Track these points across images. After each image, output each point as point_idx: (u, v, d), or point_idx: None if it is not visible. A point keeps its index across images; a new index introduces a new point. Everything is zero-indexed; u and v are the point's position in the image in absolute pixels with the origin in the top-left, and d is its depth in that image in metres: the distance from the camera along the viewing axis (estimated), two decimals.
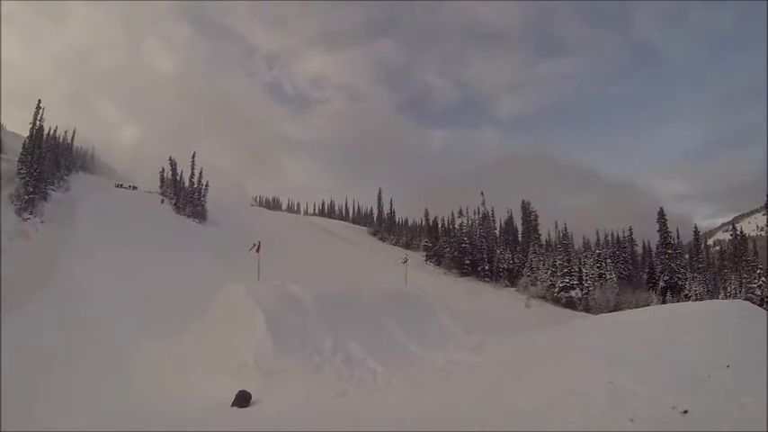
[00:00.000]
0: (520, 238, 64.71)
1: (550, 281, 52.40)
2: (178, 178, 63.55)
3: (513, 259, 59.17)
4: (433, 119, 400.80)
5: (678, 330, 9.58)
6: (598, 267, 52.94)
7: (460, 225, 64.85)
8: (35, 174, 41.67)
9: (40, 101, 46.69)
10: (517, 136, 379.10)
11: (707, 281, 52.05)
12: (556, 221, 62.35)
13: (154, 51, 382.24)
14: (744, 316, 10.50)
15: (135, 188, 69.04)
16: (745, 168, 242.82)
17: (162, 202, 61.57)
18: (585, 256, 55.62)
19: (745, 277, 46.20)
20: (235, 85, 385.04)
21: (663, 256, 55.57)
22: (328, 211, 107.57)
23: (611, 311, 36.70)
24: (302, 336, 14.47)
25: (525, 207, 65.57)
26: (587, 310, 47.00)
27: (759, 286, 44.39)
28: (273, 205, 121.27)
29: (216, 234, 53.45)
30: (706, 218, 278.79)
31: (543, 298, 51.58)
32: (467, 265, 59.88)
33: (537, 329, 18.28)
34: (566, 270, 51.90)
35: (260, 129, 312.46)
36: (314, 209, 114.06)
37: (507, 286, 56.82)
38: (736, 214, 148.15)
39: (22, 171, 41.23)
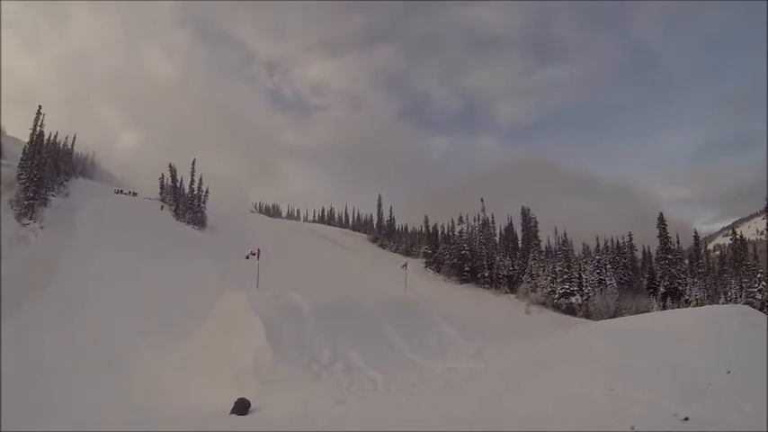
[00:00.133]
0: (520, 245, 64.53)
1: (550, 287, 52.27)
2: (178, 185, 63.72)
3: (512, 266, 59.05)
4: (432, 126, 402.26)
5: (679, 336, 9.57)
6: (598, 273, 52.85)
7: (460, 232, 64.68)
8: (35, 179, 41.72)
9: (40, 107, 47.04)
10: (517, 142, 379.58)
11: (707, 286, 51.98)
12: (555, 228, 62.31)
13: (154, 57, 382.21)
14: (744, 321, 10.49)
15: (135, 194, 69.02)
16: (744, 173, 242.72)
17: (161, 208, 61.65)
18: (585, 262, 55.51)
19: (745, 282, 46.08)
20: (235, 91, 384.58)
21: (663, 262, 55.48)
22: (328, 218, 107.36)
23: (611, 317, 36.66)
24: (301, 344, 14.40)
25: (525, 213, 65.46)
26: (587, 316, 46.85)
27: (759, 290, 44.29)
28: (273, 212, 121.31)
29: (215, 241, 53.45)
30: (706, 222, 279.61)
31: (543, 304, 51.42)
32: (467, 271, 59.74)
33: (537, 336, 18.24)
34: (566, 276, 51.80)
35: (260, 135, 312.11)
36: (314, 216, 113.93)
37: (507, 293, 56.64)
38: (736, 218, 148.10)
39: (22, 176, 41.29)
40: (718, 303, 41.87)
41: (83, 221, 43.62)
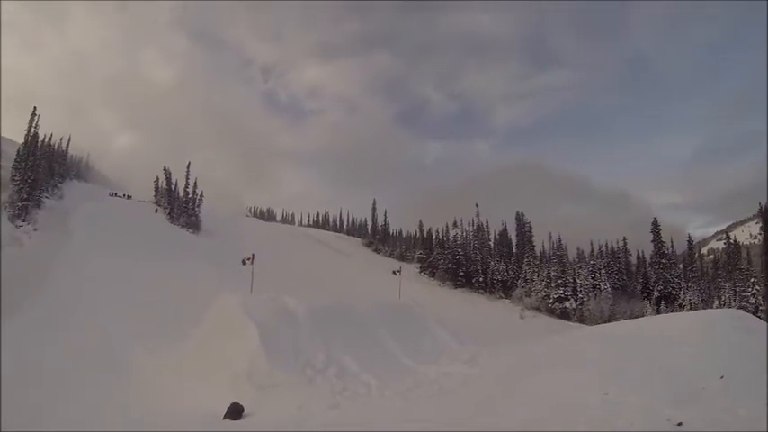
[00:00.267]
0: (514, 250, 64.74)
1: (545, 292, 52.36)
2: (173, 188, 63.53)
3: (507, 270, 59.18)
4: (428, 130, 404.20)
5: (672, 341, 9.59)
6: (592, 278, 53.01)
7: (455, 237, 64.80)
8: (29, 181, 41.60)
9: (35, 108, 46.89)
10: (512, 147, 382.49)
11: (701, 290, 52.29)
12: (550, 233, 62.67)
13: (151, 61, 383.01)
14: (738, 325, 10.51)
15: (129, 197, 68.90)
16: (738, 177, 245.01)
17: (156, 211, 61.52)
18: (580, 267, 55.68)
19: (739, 286, 46.30)
20: (231, 95, 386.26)
21: (657, 266, 55.73)
22: (323, 223, 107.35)
23: (605, 322, 36.75)
24: (295, 348, 14.34)
25: (519, 218, 65.61)
26: (582, 320, 46.94)
27: (753, 294, 44.50)
28: (268, 216, 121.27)
29: (210, 244, 53.26)
30: (700, 227, 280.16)
31: (538, 309, 51.49)
32: (461, 276, 59.84)
33: (531, 341, 18.22)
34: (560, 281, 51.93)
35: (255, 139, 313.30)
36: (308, 220, 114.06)
37: (502, 298, 56.74)
38: (730, 223, 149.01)
39: (17, 178, 41.16)
40: (711, 307, 42.12)
41: (77, 224, 43.45)
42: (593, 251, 59.91)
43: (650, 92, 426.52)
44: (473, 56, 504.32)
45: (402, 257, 73.56)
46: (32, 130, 46.04)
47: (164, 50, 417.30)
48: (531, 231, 64.37)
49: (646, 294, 54.57)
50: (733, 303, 43.79)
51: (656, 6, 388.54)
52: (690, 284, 53.42)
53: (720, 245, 67.86)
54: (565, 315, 49.73)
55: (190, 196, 62.58)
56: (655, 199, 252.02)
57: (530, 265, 57.04)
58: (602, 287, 51.80)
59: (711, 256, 78.15)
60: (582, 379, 8.36)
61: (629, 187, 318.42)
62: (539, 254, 62.16)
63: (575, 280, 52.25)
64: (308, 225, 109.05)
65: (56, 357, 17.37)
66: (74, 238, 39.52)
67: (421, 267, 65.18)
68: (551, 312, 50.65)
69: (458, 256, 60.57)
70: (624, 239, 60.96)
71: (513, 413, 7.63)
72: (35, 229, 38.17)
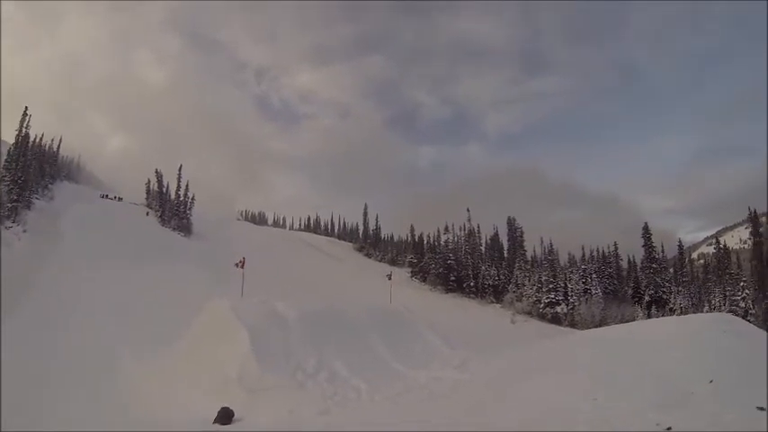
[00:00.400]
0: (505, 255, 64.67)
1: (536, 296, 52.40)
2: (164, 190, 63.06)
3: (498, 275, 59.18)
4: (420, 135, 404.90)
5: (662, 346, 9.62)
6: (583, 282, 53.11)
7: (446, 241, 64.64)
8: (19, 181, 41.26)
9: (26, 108, 46.51)
10: (504, 152, 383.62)
11: (691, 294, 52.55)
12: (541, 237, 62.64)
13: (144, 62, 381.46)
14: (727, 330, 10.56)
15: (120, 199, 68.39)
16: (728, 182, 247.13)
17: (147, 214, 60.99)
18: (571, 272, 55.74)
19: (728, 290, 46.56)
20: (223, 98, 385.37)
21: (648, 271, 55.91)
22: (314, 227, 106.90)
23: (596, 326, 36.80)
24: (286, 353, 14.29)
25: (511, 223, 65.59)
26: (573, 325, 47.00)
27: (743, 299, 44.79)
28: (259, 220, 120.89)
29: (201, 248, 52.93)
30: (690, 232, 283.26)
31: (529, 314, 51.47)
32: (452, 281, 59.77)
33: (522, 346, 18.29)
34: (551, 286, 52.01)
35: (247, 142, 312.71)
36: (300, 224, 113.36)
37: (493, 302, 56.69)
38: (720, 228, 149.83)
39: (6, 178, 40.76)
40: (701, 312, 42.26)
41: (67, 226, 43.13)
42: (584, 256, 59.97)
43: (642, 97, 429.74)
44: (466, 61, 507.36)
45: (393, 262, 73.42)
46: (23, 130, 45.73)
47: (156, 51, 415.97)
48: (522, 236, 64.40)
49: (637, 299, 54.69)
50: (723, 307, 44.00)
51: (652, 8, 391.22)
52: (680, 289, 53.65)
53: (710, 249, 67.97)
54: (556, 320, 49.78)
55: (181, 199, 62.17)
56: (646, 204, 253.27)
57: (521, 269, 57.05)
58: (593, 292, 51.89)
59: (702, 261, 78.53)
60: (572, 384, 8.38)
61: (620, 192, 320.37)
62: (530, 258, 62.12)
63: (566, 284, 52.37)
64: (300, 229, 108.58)
65: (43, 361, 17.21)
66: (64, 240, 39.22)
67: (412, 272, 65.08)
68: (542, 317, 50.68)
69: (449, 261, 60.51)
70: (615, 244, 61.12)
71: (503, 418, 7.63)
72: (24, 231, 37.73)
